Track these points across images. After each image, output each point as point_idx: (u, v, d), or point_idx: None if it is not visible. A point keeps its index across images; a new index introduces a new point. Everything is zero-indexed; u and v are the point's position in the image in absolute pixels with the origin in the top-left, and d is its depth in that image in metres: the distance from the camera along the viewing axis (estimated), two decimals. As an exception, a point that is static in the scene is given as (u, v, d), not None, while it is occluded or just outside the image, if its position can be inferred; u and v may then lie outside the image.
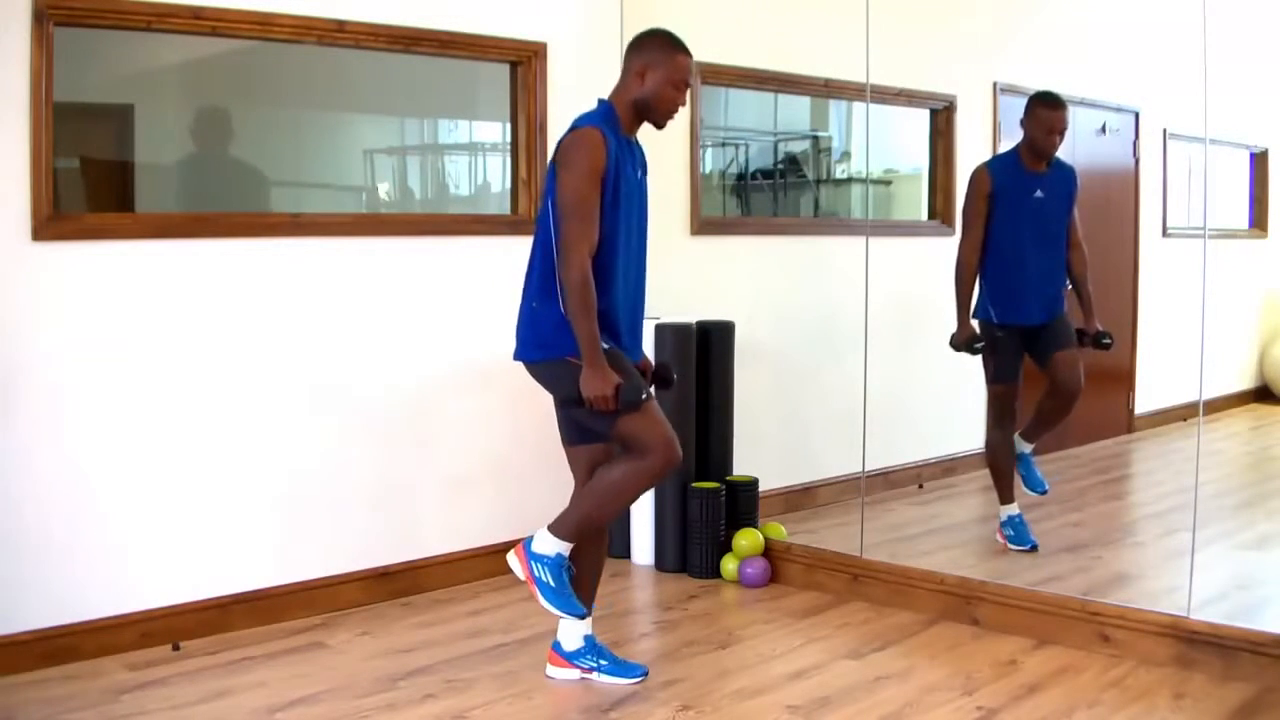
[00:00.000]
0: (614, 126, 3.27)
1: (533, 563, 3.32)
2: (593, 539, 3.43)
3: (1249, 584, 4.01)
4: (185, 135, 3.98)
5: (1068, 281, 4.40)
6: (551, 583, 3.31)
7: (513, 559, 3.37)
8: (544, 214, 3.27)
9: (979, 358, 4.43)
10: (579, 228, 3.14)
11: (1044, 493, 4.44)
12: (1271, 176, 4.91)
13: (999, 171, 4.39)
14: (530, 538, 3.35)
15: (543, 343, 3.27)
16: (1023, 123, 4.31)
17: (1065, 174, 4.36)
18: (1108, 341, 4.33)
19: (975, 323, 4.42)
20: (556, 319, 3.21)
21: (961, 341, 4.42)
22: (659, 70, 3.27)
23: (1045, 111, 4.25)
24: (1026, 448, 4.50)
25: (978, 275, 4.40)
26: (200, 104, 3.99)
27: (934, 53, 5.12)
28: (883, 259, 4.51)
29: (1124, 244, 4.98)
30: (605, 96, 3.34)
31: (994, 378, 4.44)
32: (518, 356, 3.35)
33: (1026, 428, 4.49)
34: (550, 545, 3.31)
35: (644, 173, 3.39)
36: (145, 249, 3.64)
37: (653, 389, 3.42)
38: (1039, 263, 4.37)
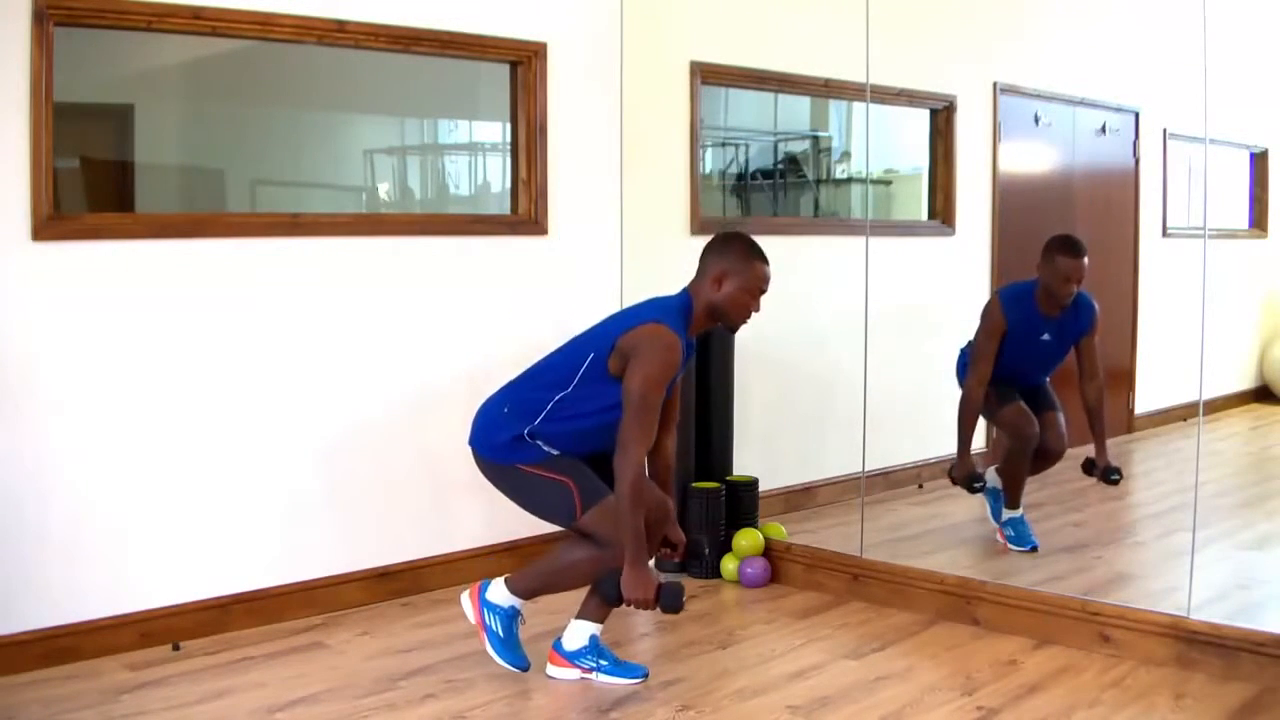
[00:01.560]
0: (686, 329, 3.28)
1: (485, 610, 3.40)
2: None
3: (1249, 584, 4.01)
4: (185, 137, 4.00)
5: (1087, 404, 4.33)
6: (501, 633, 3.39)
7: (466, 602, 3.44)
8: (576, 352, 3.30)
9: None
10: (643, 428, 3.15)
11: (1034, 549, 4.40)
12: (1271, 176, 4.90)
13: (1013, 311, 4.32)
14: (485, 584, 3.42)
15: (493, 448, 3.34)
16: (1039, 267, 4.23)
17: (1080, 314, 4.26)
18: (1116, 478, 4.28)
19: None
20: (515, 436, 3.28)
21: (961, 477, 4.43)
22: (736, 279, 3.27)
23: (1064, 260, 4.16)
24: (999, 482, 4.47)
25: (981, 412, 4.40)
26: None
27: (934, 53, 5.11)
28: (883, 259, 4.51)
29: (1124, 244, 4.98)
30: (688, 287, 3.33)
31: (997, 407, 4.42)
32: (472, 443, 3.41)
33: (1009, 491, 4.46)
34: (505, 598, 3.39)
35: (687, 362, 3.39)
36: (145, 249, 3.63)
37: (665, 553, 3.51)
38: (1029, 377, 4.43)
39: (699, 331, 3.36)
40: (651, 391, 3.15)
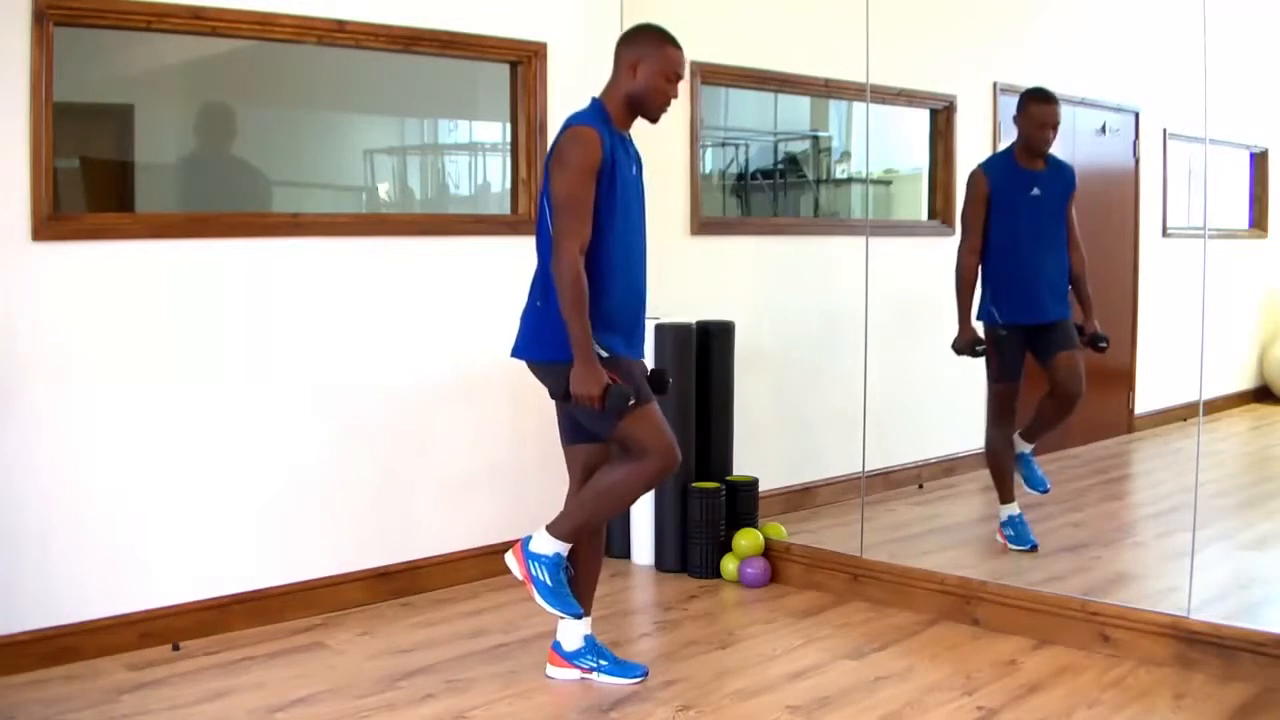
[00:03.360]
0: (608, 123, 3.27)
1: (530, 563, 3.33)
2: (589, 541, 3.43)
3: (1249, 584, 4.01)
4: (188, 133, 3.99)
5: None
6: (549, 583, 3.32)
7: (510, 559, 3.38)
8: (542, 213, 3.28)
9: (981, 359, 4.43)
10: (571, 224, 3.13)
11: (1045, 491, 4.44)
12: (1271, 176, 4.91)
13: (995, 172, 4.39)
14: (528, 537, 3.36)
15: (544, 342, 3.26)
16: (1016, 120, 4.32)
17: (1063, 172, 4.36)
18: (1103, 345, 4.33)
19: (978, 325, 4.42)
20: (560, 319, 3.20)
21: (963, 345, 4.42)
22: (651, 63, 3.28)
23: (1037, 107, 4.27)
24: (1026, 448, 4.50)
25: (978, 278, 4.40)
26: (205, 101, 4.00)
27: (934, 53, 5.12)
28: (883, 259, 4.51)
29: (1124, 244, 4.98)
30: (598, 95, 3.34)
31: (996, 377, 4.44)
32: (519, 353, 3.34)
33: (1026, 428, 4.49)
34: (548, 545, 3.32)
35: (639, 169, 3.39)
36: (145, 249, 3.64)
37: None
38: (1040, 261, 4.37)
39: (625, 126, 3.33)
40: (574, 186, 3.14)
